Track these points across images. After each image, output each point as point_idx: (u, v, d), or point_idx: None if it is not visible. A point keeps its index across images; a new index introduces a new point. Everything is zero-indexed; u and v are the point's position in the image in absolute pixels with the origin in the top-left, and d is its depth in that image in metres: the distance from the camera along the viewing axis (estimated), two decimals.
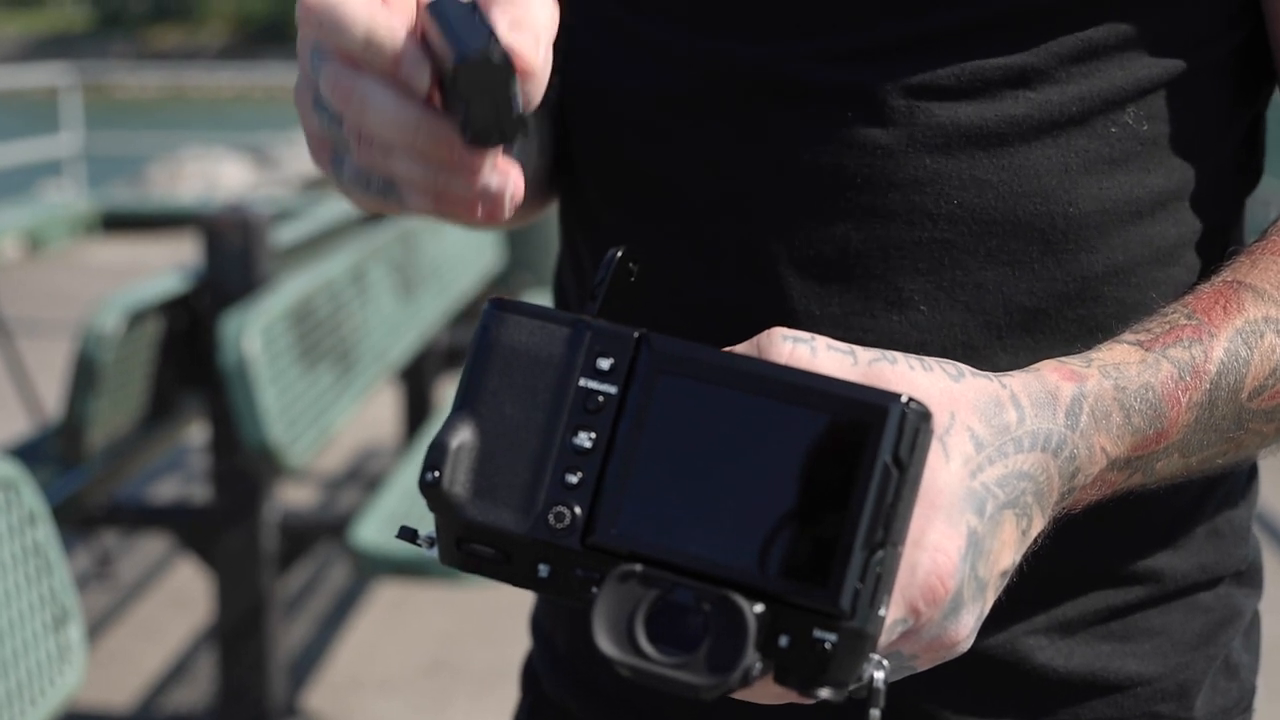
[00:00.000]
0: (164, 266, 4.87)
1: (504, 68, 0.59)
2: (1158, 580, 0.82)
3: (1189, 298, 0.71)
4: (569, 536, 0.56)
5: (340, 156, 0.67)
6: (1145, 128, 0.78)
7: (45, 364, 4.94)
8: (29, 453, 2.94)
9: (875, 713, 0.54)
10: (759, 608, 0.52)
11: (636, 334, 0.57)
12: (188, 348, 3.09)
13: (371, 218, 4.56)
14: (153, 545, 4.22)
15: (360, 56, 0.62)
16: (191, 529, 3.10)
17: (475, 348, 0.58)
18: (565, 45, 0.88)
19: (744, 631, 0.52)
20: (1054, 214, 0.77)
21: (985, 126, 0.76)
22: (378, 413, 5.09)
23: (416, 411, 4.53)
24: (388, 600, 3.88)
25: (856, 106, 0.76)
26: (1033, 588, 0.77)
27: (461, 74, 0.59)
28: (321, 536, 3.12)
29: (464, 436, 0.57)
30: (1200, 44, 0.79)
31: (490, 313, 0.58)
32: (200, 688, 3.41)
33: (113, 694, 3.35)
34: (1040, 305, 0.77)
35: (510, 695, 1.02)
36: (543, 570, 0.57)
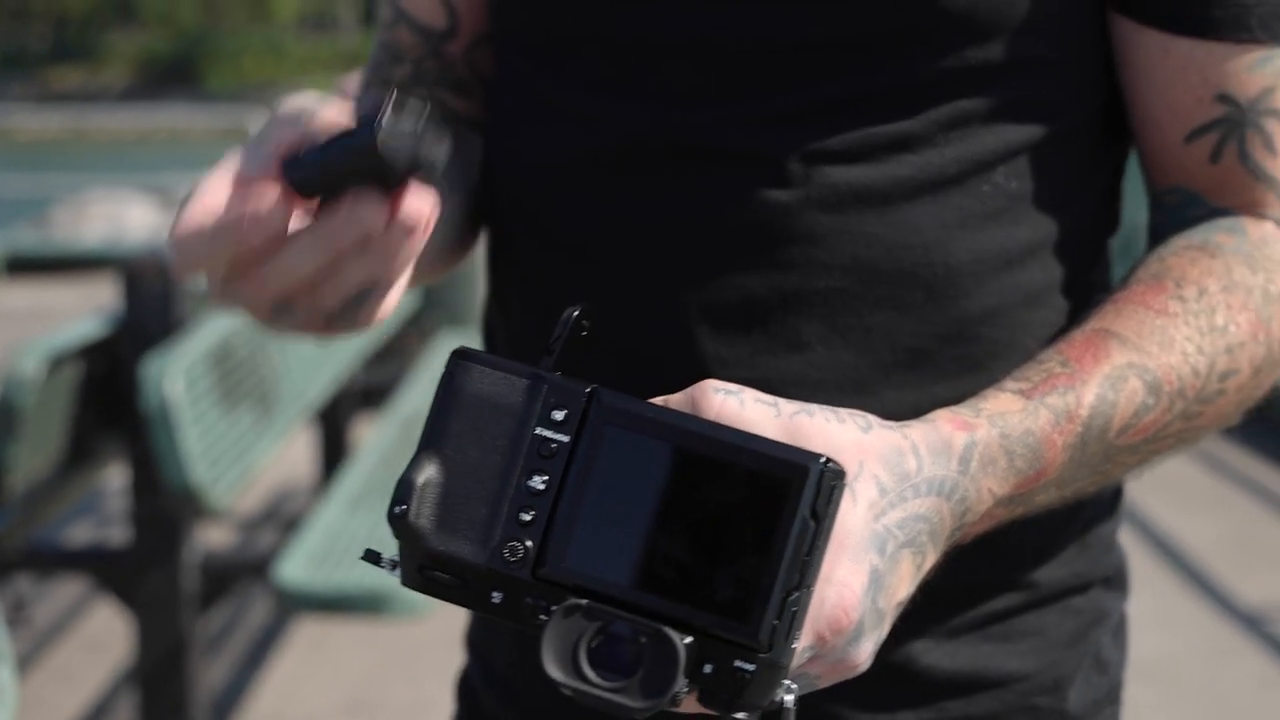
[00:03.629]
0: (71, 310, 4.86)
1: (416, 111, 0.66)
2: (1033, 588, 0.92)
3: (1062, 344, 0.79)
4: (521, 568, 0.62)
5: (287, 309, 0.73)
6: (1014, 185, 0.87)
7: None
8: None
9: None
10: (688, 640, 0.60)
11: (588, 389, 0.63)
12: (107, 391, 3.12)
13: None
14: (67, 589, 4.21)
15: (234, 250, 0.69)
16: (111, 571, 3.12)
17: (441, 393, 0.65)
18: (489, 106, 0.96)
19: (675, 661, 0.59)
20: (934, 264, 0.86)
21: (873, 187, 0.85)
22: (294, 453, 5.11)
23: (333, 451, 4.55)
24: (309, 639, 3.91)
25: (759, 169, 0.85)
26: (919, 598, 0.86)
27: (384, 141, 0.65)
28: (242, 576, 3.15)
29: (429, 474, 0.64)
30: (1063, 110, 0.88)
31: (455, 362, 0.65)
32: None
33: None
34: (923, 345, 0.86)
35: None
36: (496, 597, 0.63)
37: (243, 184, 0.69)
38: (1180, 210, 0.88)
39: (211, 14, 50.80)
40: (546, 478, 0.63)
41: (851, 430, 0.67)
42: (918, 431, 0.69)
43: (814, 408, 0.67)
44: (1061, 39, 0.87)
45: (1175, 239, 0.86)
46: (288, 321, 0.74)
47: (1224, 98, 0.85)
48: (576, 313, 0.67)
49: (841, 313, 0.86)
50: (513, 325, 0.96)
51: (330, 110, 0.69)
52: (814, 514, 0.60)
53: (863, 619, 0.65)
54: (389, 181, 0.67)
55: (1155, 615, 4.00)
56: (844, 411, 0.67)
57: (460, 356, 0.65)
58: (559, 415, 0.63)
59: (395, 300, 0.76)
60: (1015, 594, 0.91)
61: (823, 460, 0.61)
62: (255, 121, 12.42)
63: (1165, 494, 5.04)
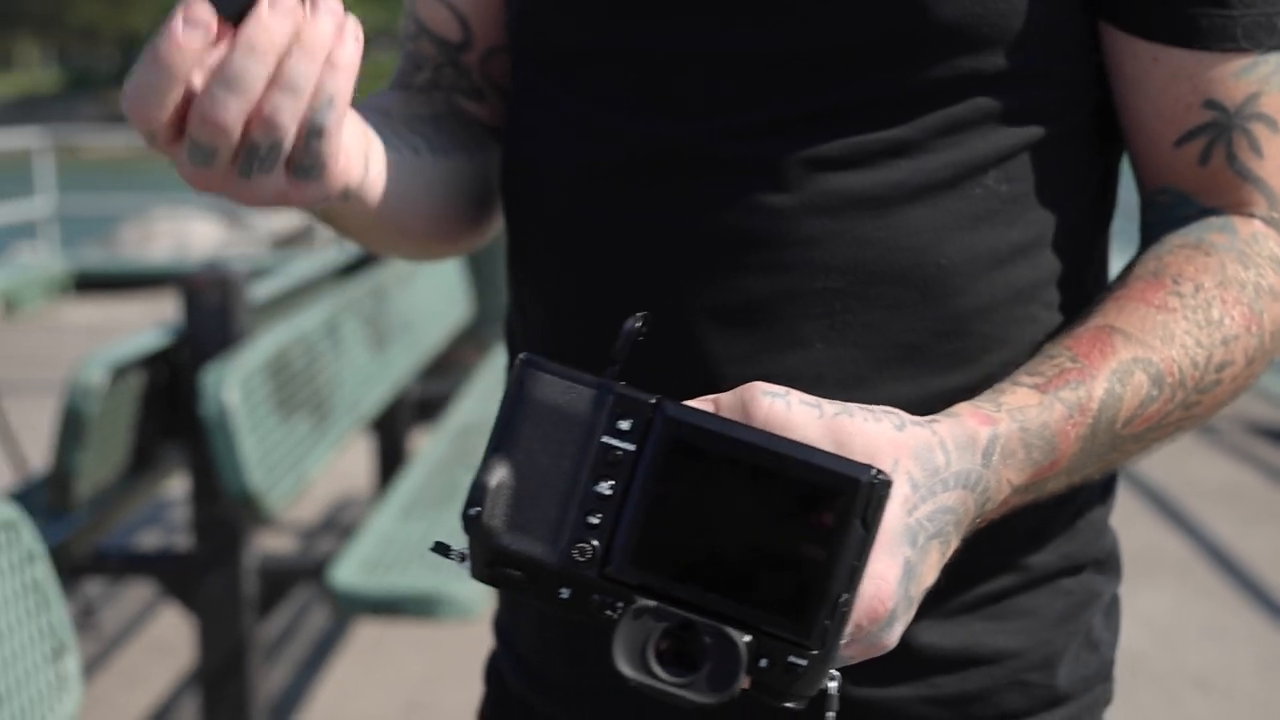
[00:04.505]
0: (137, 325, 4.97)
1: None
2: (1025, 570, 0.96)
3: (1069, 340, 0.84)
4: (589, 568, 0.67)
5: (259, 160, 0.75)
6: (1005, 188, 0.92)
7: (25, 422, 5.03)
8: (18, 503, 3.03)
9: (831, 716, 0.68)
10: (747, 638, 0.65)
11: (653, 400, 0.67)
12: (169, 401, 3.20)
13: (345, 272, 4.70)
14: (135, 594, 4.31)
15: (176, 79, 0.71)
16: (174, 576, 3.20)
17: (510, 398, 0.68)
18: (506, 116, 1.03)
19: (737, 660, 0.65)
20: (927, 265, 0.90)
21: (868, 191, 0.90)
22: (351, 464, 5.20)
23: (389, 461, 4.63)
24: (365, 641, 3.99)
25: (760, 176, 0.90)
26: None
27: None
28: (300, 580, 3.23)
29: (500, 477, 0.68)
30: (1054, 115, 0.93)
31: (524, 369, 0.68)
32: None
33: None
34: (918, 341, 0.91)
35: None
36: (564, 593, 0.67)
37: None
38: (1171, 210, 0.93)
39: None
40: (613, 483, 0.67)
41: (887, 429, 0.72)
42: (945, 427, 0.74)
43: (853, 408, 0.72)
44: (1052, 48, 0.91)
45: (1170, 237, 0.91)
46: (260, 175, 0.75)
47: (1211, 104, 0.90)
48: (638, 323, 0.72)
49: (840, 312, 0.90)
50: (530, 328, 1.01)
51: None
52: (864, 523, 0.65)
53: (896, 607, 0.70)
54: None
55: (1212, 626, 3.99)
56: (879, 410, 0.73)
57: (529, 365, 0.69)
58: (625, 425, 0.67)
59: (355, 154, 0.79)
60: (1009, 576, 0.96)
61: (873, 472, 0.65)
62: None
63: (1225, 505, 5.02)
